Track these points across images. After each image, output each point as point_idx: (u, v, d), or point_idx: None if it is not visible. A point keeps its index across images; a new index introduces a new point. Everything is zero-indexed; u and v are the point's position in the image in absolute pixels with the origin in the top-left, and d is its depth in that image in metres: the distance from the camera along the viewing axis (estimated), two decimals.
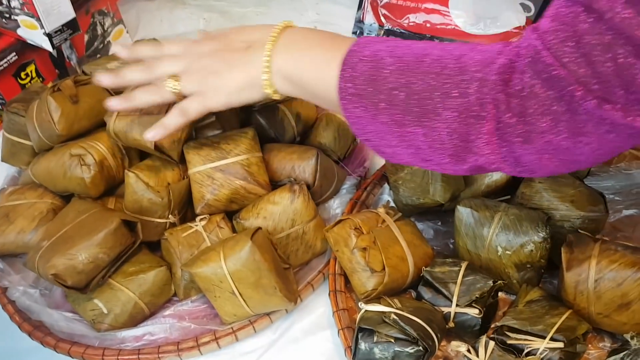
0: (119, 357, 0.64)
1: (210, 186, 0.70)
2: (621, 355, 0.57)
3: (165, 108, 0.69)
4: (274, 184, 0.74)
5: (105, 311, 0.67)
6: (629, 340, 0.57)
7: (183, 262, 0.68)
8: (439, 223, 0.76)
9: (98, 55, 1.05)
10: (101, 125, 0.76)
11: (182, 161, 0.73)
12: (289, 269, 0.69)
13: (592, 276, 0.60)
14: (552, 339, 0.57)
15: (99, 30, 1.05)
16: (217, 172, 0.70)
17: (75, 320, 0.68)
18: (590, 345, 0.63)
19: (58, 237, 0.66)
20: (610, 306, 0.59)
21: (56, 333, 0.68)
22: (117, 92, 0.76)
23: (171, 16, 1.13)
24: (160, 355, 0.64)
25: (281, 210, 0.69)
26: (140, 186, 0.70)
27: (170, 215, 0.72)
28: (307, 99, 0.58)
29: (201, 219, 0.71)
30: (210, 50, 0.61)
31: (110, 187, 0.77)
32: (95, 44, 1.05)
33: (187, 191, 0.72)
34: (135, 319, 0.68)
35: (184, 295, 0.70)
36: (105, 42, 1.06)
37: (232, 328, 0.66)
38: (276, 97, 0.59)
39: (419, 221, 0.76)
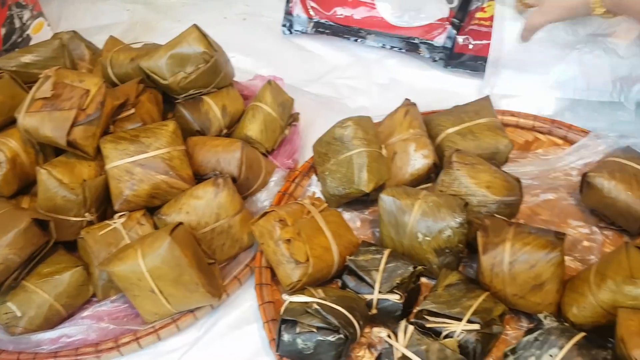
0: None
1: (128, 181, 0.68)
2: (535, 334, 0.58)
3: (77, 103, 0.66)
4: (199, 178, 0.73)
5: (19, 314, 0.64)
6: (542, 320, 0.59)
7: (100, 261, 0.66)
8: (366, 212, 0.77)
9: (16, 50, 0.99)
10: (13, 122, 0.73)
11: (101, 157, 0.71)
12: (214, 264, 0.68)
13: (507, 259, 0.61)
14: (469, 321, 0.59)
15: (17, 23, 1.00)
16: (136, 166, 0.68)
17: None
18: (507, 326, 0.65)
19: None
20: (524, 287, 0.61)
21: None
22: (30, 86, 0.72)
23: (94, 8, 1.09)
24: (78, 357, 0.62)
25: (205, 204, 0.68)
26: (53, 183, 0.67)
27: (86, 214, 0.69)
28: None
29: (120, 216, 0.69)
30: None
31: (25, 185, 0.73)
32: (13, 37, 1.00)
33: (104, 187, 0.70)
34: (52, 322, 0.65)
35: (102, 295, 0.67)
36: (24, 35, 1.01)
37: (154, 327, 0.64)
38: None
39: (346, 211, 0.77)
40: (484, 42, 0.90)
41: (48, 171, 0.67)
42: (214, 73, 0.78)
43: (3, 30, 0.97)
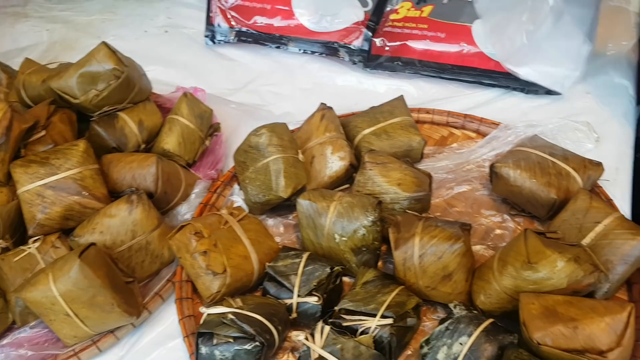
0: None
1: (40, 205, 0.67)
2: (446, 324, 0.60)
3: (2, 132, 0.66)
4: (117, 195, 0.72)
5: None
6: (453, 309, 0.61)
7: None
8: (290, 217, 0.78)
9: None
10: None
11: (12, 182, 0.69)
12: (133, 282, 0.67)
13: (417, 252, 0.63)
14: (382, 316, 0.60)
15: None
16: (47, 189, 0.67)
17: None
18: (425, 318, 0.67)
19: None
20: (435, 279, 0.64)
21: None
22: None
23: (13, 30, 1.07)
24: None
25: (119, 222, 0.68)
26: None
27: (0, 240, 0.68)
28: None
29: (34, 241, 0.68)
30: None
31: None
32: None
33: (17, 213, 0.69)
34: None
35: (21, 322, 0.66)
36: None
37: (74, 350, 0.64)
38: None
39: (270, 217, 0.77)
40: (399, 43, 0.92)
41: None
42: (127, 88, 0.77)
43: None
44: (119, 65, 0.75)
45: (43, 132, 0.73)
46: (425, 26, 0.91)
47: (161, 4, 1.11)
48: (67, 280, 0.60)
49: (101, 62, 0.75)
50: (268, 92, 0.97)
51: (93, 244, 0.64)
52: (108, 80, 0.76)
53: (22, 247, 0.68)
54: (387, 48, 0.93)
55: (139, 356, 0.65)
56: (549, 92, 0.88)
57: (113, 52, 0.76)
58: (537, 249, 0.58)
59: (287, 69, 0.99)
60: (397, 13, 0.94)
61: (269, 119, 0.88)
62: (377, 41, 0.93)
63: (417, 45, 0.91)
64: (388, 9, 0.95)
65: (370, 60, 0.94)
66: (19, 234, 0.71)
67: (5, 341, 0.65)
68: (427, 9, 0.93)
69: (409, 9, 0.94)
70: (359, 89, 0.95)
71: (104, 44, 0.76)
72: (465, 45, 0.90)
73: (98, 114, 0.78)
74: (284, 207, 0.77)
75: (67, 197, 0.68)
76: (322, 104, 0.81)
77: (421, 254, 0.63)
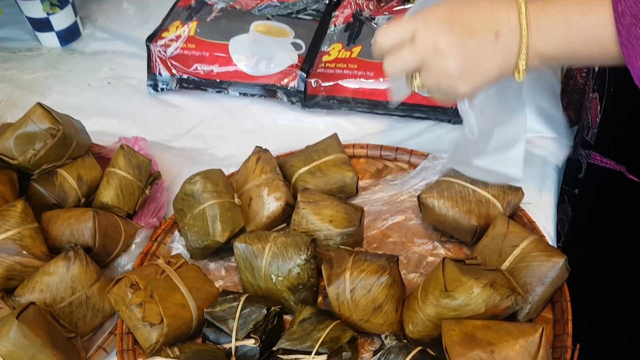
0: None
1: None
2: (378, 355, 0.63)
3: None
4: (58, 252, 0.74)
5: None
6: (384, 340, 0.64)
7: None
8: (232, 260, 0.80)
9: None
10: None
11: None
12: (76, 337, 0.68)
13: (348, 287, 0.66)
14: (317, 353, 0.63)
15: None
16: None
17: None
18: (362, 349, 0.69)
19: None
20: (367, 311, 0.66)
21: None
22: None
23: None
24: None
25: (58, 280, 0.69)
26: None
27: None
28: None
29: None
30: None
31: None
32: None
33: None
34: None
35: None
36: None
37: None
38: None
39: (211, 261, 0.79)
40: (332, 83, 0.96)
41: None
42: (65, 145, 0.79)
43: None
44: (54, 124, 0.78)
45: None
46: (355, 66, 0.95)
47: (104, 56, 1.14)
48: (7, 341, 0.61)
49: (37, 122, 0.77)
50: (211, 135, 1.00)
51: (32, 303, 0.65)
52: (45, 140, 0.78)
53: None
54: (322, 88, 0.97)
55: None
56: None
57: (48, 111, 0.78)
58: (454, 276, 0.61)
59: (229, 112, 1.03)
60: (329, 55, 0.98)
61: (212, 163, 0.91)
62: (312, 82, 0.97)
63: (350, 84, 0.95)
64: (323, 49, 1.00)
65: (307, 100, 0.98)
66: None
67: None
68: (356, 50, 0.97)
69: (339, 51, 0.98)
70: (298, 127, 0.99)
71: (39, 104, 0.78)
72: None
73: (37, 172, 0.79)
74: (224, 249, 0.79)
75: (7, 258, 0.69)
76: (257, 147, 0.85)
77: (352, 288, 0.66)
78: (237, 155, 0.95)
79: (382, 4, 1.09)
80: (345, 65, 0.96)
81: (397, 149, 0.88)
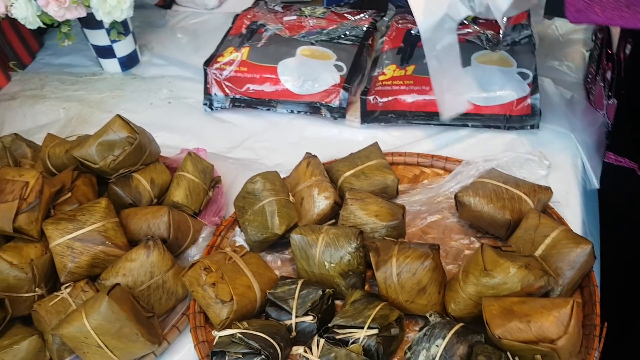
0: None
1: (70, 256, 0.78)
2: (424, 330, 0.70)
3: (18, 194, 0.77)
4: (135, 244, 0.83)
5: None
6: (429, 317, 0.72)
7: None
8: (286, 253, 0.88)
9: None
10: None
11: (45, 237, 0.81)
12: (153, 316, 0.77)
13: (395, 271, 0.74)
14: (369, 328, 0.71)
15: None
16: (75, 241, 0.79)
17: None
18: (408, 329, 0.76)
19: None
20: (412, 293, 0.74)
21: None
22: None
23: (33, 111, 1.21)
24: None
25: (139, 265, 0.78)
26: (5, 266, 0.76)
27: (37, 289, 0.78)
28: None
29: (66, 287, 0.78)
30: None
31: None
32: None
33: (50, 264, 0.80)
34: None
35: (58, 358, 0.75)
36: None
37: None
38: None
39: (268, 254, 0.88)
40: (390, 98, 1.05)
41: None
42: (140, 153, 0.90)
43: None
44: (132, 133, 0.89)
45: (69, 194, 0.85)
46: (411, 82, 1.05)
47: (163, 79, 1.26)
48: (97, 315, 0.70)
49: (117, 131, 0.88)
50: (261, 147, 1.11)
51: (118, 284, 0.74)
52: (123, 147, 0.88)
53: (55, 293, 0.78)
54: (379, 104, 1.06)
55: None
56: (522, 127, 1.00)
57: (127, 122, 0.89)
58: (492, 258, 0.69)
59: (276, 127, 1.13)
60: (385, 74, 1.08)
61: (262, 170, 1.01)
62: (371, 99, 1.06)
63: (407, 98, 1.04)
64: (376, 73, 1.10)
65: (365, 116, 1.07)
66: (52, 282, 0.82)
67: None
68: (411, 68, 1.07)
69: (394, 70, 1.08)
70: (339, 139, 1.09)
71: (118, 116, 0.90)
72: None
73: (115, 176, 0.90)
74: (279, 244, 0.88)
75: (93, 248, 0.79)
76: (307, 153, 0.94)
77: (398, 272, 0.74)
78: (285, 164, 1.04)
79: None
80: (401, 82, 1.06)
81: (432, 156, 0.97)
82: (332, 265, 0.78)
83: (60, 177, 0.88)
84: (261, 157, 1.08)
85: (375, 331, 0.70)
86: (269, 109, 1.14)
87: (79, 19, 1.17)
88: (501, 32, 1.08)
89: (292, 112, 1.13)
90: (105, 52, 1.28)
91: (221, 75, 1.14)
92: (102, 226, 0.81)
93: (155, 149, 0.95)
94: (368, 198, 0.84)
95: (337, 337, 0.71)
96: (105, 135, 0.89)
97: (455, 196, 0.85)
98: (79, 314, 0.71)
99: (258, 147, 1.11)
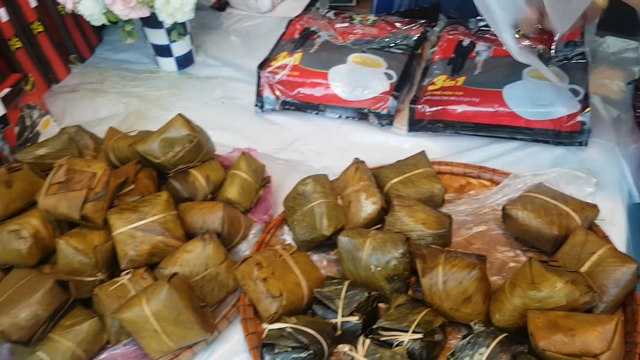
0: None
1: (132, 244, 0.83)
2: (468, 338, 0.72)
3: (86, 184, 0.83)
4: (190, 236, 0.88)
5: None
6: (473, 326, 0.74)
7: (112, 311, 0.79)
8: (331, 254, 0.91)
9: (28, 144, 1.16)
10: (33, 204, 0.88)
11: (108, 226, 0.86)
12: (206, 306, 0.81)
13: (441, 279, 0.76)
14: (414, 332, 0.73)
15: (28, 122, 1.17)
16: (137, 231, 0.83)
17: None
18: (450, 336, 0.78)
19: (1, 301, 0.76)
20: (457, 301, 0.76)
21: None
22: (46, 174, 0.88)
23: (93, 104, 1.27)
24: None
25: (195, 257, 0.83)
26: (70, 250, 0.82)
27: (98, 274, 0.84)
28: None
29: (126, 274, 0.83)
30: None
31: (45, 255, 0.87)
32: (25, 134, 1.16)
33: (112, 251, 0.85)
34: None
35: (115, 340, 0.80)
36: (34, 131, 1.18)
37: None
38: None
39: (315, 254, 0.91)
40: (439, 108, 1.08)
41: (66, 241, 0.82)
42: (198, 150, 0.95)
43: (17, 129, 1.14)
44: (192, 132, 0.93)
45: (132, 186, 0.91)
46: (461, 93, 1.07)
47: (217, 80, 1.31)
48: (157, 301, 0.75)
49: (178, 129, 0.93)
50: (309, 150, 1.14)
51: (176, 273, 0.79)
52: (183, 144, 0.93)
53: (116, 279, 0.83)
54: (427, 113, 1.08)
55: None
56: (570, 144, 1.01)
57: (187, 121, 0.94)
58: (540, 272, 0.71)
59: (324, 131, 1.16)
60: (434, 84, 1.10)
61: (310, 173, 1.03)
62: (419, 107, 1.08)
63: (456, 108, 1.06)
64: (426, 82, 1.12)
65: (413, 124, 1.10)
66: (112, 269, 0.87)
67: (102, 356, 0.79)
68: (461, 79, 1.09)
69: (444, 80, 1.10)
70: (386, 146, 1.11)
71: (180, 115, 0.94)
72: (498, 106, 1.04)
73: (174, 171, 0.95)
74: (326, 245, 0.91)
75: (153, 237, 0.84)
76: (356, 158, 0.97)
77: (444, 280, 0.76)
78: (331, 168, 1.07)
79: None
80: (451, 93, 1.08)
81: (480, 167, 0.99)
82: (378, 269, 0.81)
83: (124, 169, 0.93)
84: (308, 160, 1.12)
85: (420, 335, 0.72)
86: (317, 113, 1.17)
87: (141, 18, 1.23)
88: (553, 46, 1.09)
89: (340, 117, 1.16)
90: (164, 51, 1.33)
91: (273, 78, 1.18)
92: (163, 218, 0.85)
93: (211, 147, 0.99)
94: (415, 205, 0.86)
95: (382, 338, 0.74)
96: (167, 132, 0.93)
97: (503, 208, 0.87)
98: (139, 300, 0.76)
99: (306, 149, 1.14)
